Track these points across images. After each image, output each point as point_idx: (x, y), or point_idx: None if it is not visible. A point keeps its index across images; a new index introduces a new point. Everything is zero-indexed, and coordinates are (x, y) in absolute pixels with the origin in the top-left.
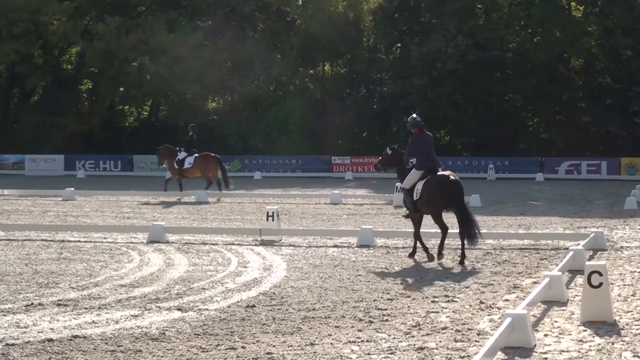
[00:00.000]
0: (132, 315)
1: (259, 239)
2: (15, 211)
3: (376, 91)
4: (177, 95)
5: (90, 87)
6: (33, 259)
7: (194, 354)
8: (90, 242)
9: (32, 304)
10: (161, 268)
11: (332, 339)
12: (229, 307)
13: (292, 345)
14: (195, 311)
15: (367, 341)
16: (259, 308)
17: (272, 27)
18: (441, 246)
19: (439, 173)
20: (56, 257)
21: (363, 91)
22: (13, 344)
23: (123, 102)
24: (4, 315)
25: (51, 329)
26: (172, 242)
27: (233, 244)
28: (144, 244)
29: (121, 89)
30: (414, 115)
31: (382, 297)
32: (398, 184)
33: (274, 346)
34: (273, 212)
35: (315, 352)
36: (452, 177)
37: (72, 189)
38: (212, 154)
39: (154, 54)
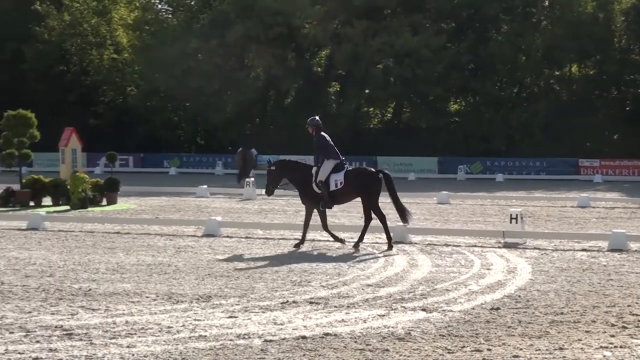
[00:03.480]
0: (378, 315)
1: (502, 242)
2: (271, 210)
3: (629, 93)
4: (419, 97)
5: (338, 89)
6: (288, 257)
7: (440, 354)
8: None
9: (287, 301)
10: (405, 269)
11: (583, 344)
12: (473, 309)
13: (539, 349)
14: (439, 312)
15: (621, 347)
16: (504, 311)
17: (517, 28)
18: (389, 237)
19: (356, 168)
20: (308, 256)
21: (614, 93)
22: (271, 340)
23: (368, 104)
24: (262, 312)
25: (304, 326)
26: (415, 243)
27: (475, 245)
28: None
29: (367, 91)
30: (315, 117)
31: (637, 303)
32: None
33: (520, 349)
34: (517, 215)
35: (564, 357)
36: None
37: None
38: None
39: (398, 57)
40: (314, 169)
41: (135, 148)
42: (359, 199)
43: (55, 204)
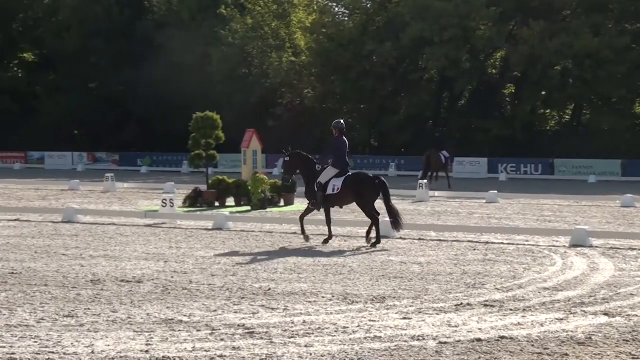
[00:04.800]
0: (557, 319)
1: None
2: (444, 212)
3: None
4: (601, 98)
5: (513, 91)
6: (461, 259)
7: None
8: (512, 244)
9: (462, 303)
10: (585, 272)
11: None
12: None
13: None
14: (623, 317)
15: None
16: None
17: None
18: (377, 233)
19: (356, 173)
20: (482, 259)
21: None
22: (445, 342)
23: (545, 106)
24: (437, 314)
25: (479, 329)
26: (596, 247)
27: None
28: (567, 247)
29: (543, 92)
30: (340, 120)
31: None
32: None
33: None
34: None
35: None
36: (374, 176)
37: (495, 191)
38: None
39: (578, 58)
40: (318, 167)
41: (312, 150)
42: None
43: (237, 204)
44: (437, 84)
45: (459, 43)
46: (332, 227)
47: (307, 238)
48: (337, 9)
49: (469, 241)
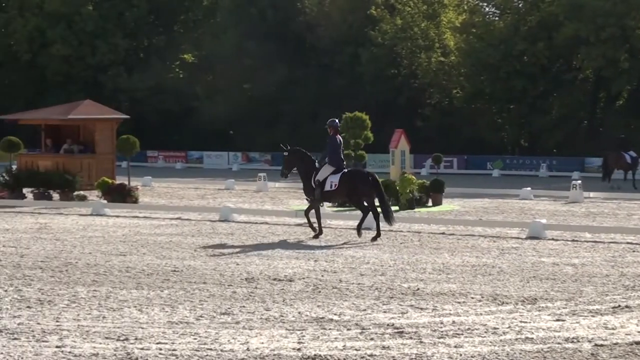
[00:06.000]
0: None
1: None
2: (600, 214)
3: None
4: None
5: None
6: (619, 261)
7: None
8: None
9: (619, 306)
10: None
11: None
12: None
13: None
14: None
15: None
16: None
17: None
18: (359, 226)
19: (352, 170)
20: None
21: None
22: (602, 345)
23: None
24: (592, 316)
25: (639, 331)
26: None
27: None
28: None
29: None
30: (335, 119)
31: None
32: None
33: None
34: None
35: None
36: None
37: None
38: None
39: None
40: (317, 164)
41: (460, 150)
42: None
43: None
44: (592, 84)
45: (616, 42)
46: (321, 222)
47: (315, 230)
48: (487, 9)
49: (627, 243)
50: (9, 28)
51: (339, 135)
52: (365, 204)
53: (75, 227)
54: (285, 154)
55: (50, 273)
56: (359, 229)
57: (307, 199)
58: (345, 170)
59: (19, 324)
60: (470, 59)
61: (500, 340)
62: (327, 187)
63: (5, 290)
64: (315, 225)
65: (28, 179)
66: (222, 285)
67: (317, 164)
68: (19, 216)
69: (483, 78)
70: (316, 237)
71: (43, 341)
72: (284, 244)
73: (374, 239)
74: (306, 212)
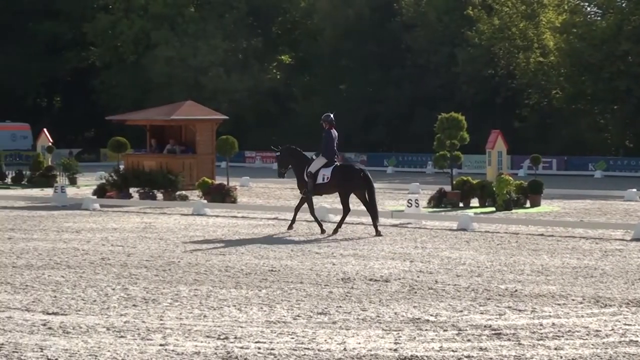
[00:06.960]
0: None
1: None
2: None
3: None
4: None
5: None
6: None
7: None
8: None
9: None
10: None
11: None
12: None
13: None
14: None
15: None
16: None
17: None
18: (339, 226)
19: (344, 164)
20: None
21: None
22: None
23: None
24: None
25: None
26: None
27: None
28: None
29: None
30: (330, 114)
31: None
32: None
33: None
34: None
35: None
36: (361, 167)
37: None
38: None
39: None
40: (314, 157)
41: (559, 151)
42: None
43: (481, 205)
44: None
45: None
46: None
47: (323, 230)
48: (588, 9)
49: None
50: (115, 30)
51: (334, 130)
52: (361, 201)
53: (177, 226)
54: (278, 153)
55: (155, 272)
56: (336, 229)
57: (304, 197)
58: (338, 164)
59: (125, 322)
60: (570, 59)
61: (603, 343)
62: (320, 180)
63: (113, 289)
64: (329, 224)
65: (134, 179)
66: (319, 285)
67: (314, 157)
68: (125, 215)
69: (584, 78)
70: (290, 227)
71: (147, 339)
72: (379, 244)
73: (377, 234)
74: (311, 213)
